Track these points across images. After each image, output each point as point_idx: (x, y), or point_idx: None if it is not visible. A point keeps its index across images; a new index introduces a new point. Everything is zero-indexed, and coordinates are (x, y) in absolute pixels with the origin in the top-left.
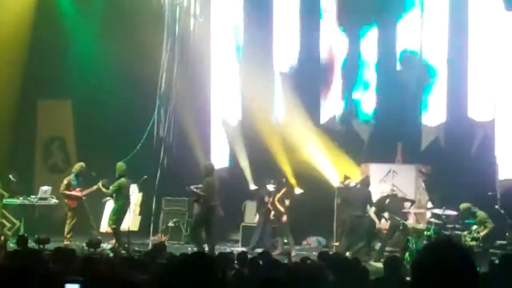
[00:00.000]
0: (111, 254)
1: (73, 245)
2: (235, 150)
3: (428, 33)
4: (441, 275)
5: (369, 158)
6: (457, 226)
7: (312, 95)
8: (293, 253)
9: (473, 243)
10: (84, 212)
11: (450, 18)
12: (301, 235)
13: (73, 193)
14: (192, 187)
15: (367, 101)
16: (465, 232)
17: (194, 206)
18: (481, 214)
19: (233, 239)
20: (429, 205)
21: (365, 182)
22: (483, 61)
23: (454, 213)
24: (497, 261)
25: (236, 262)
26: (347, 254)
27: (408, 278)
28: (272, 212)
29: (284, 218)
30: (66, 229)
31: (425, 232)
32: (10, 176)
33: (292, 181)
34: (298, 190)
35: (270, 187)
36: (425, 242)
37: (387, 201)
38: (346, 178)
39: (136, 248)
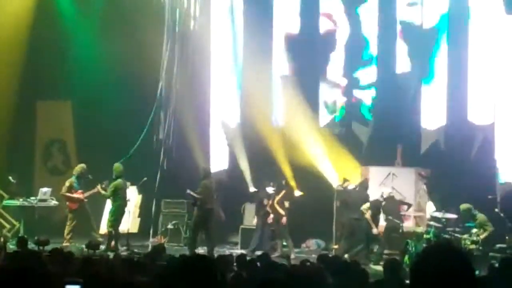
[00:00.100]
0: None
1: (73, 246)
2: (234, 152)
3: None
4: (440, 279)
5: (369, 161)
6: (457, 229)
7: (311, 97)
8: (292, 256)
9: (473, 246)
10: (86, 214)
11: (451, 21)
12: (301, 237)
13: (74, 195)
14: (189, 190)
15: (367, 103)
16: (465, 236)
17: (194, 208)
18: (481, 217)
19: (233, 241)
20: (431, 207)
21: (364, 184)
22: (483, 65)
23: (454, 216)
24: (496, 265)
25: (235, 264)
26: (346, 256)
27: (407, 281)
28: (271, 215)
29: (284, 220)
30: (66, 230)
31: (425, 235)
32: (10, 177)
33: (292, 183)
34: (297, 192)
35: (270, 190)
36: (424, 245)
37: (383, 203)
38: (345, 180)
39: (135, 250)
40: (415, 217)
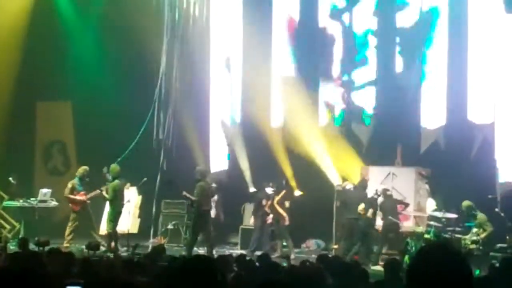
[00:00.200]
0: (111, 256)
1: (73, 247)
2: (234, 152)
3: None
4: (435, 279)
5: (368, 160)
6: (457, 229)
7: (311, 97)
8: (292, 256)
9: (473, 246)
10: (88, 215)
11: (450, 21)
12: (301, 237)
13: (77, 197)
14: (185, 192)
15: (367, 103)
16: (467, 236)
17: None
18: (481, 217)
19: (232, 242)
20: (432, 205)
21: (362, 184)
22: (483, 64)
23: (454, 216)
24: (497, 265)
25: (235, 264)
26: (347, 258)
27: None
28: (271, 215)
29: (286, 220)
30: (67, 231)
31: (425, 235)
32: (10, 178)
33: (292, 183)
34: (297, 192)
35: (269, 190)
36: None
37: (378, 200)
38: (344, 180)
39: (135, 251)
40: (415, 217)
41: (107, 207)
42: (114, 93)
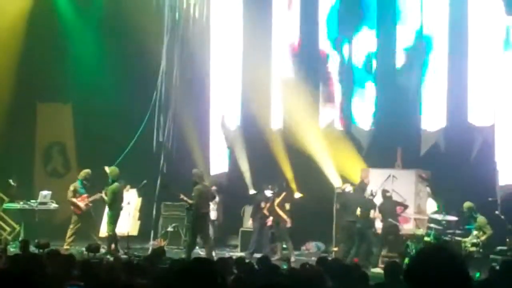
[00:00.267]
0: (111, 258)
1: (73, 249)
2: (234, 155)
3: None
4: (432, 281)
5: (369, 163)
6: (457, 231)
7: (311, 99)
8: (292, 258)
9: (473, 248)
10: (90, 218)
11: (450, 23)
12: (301, 240)
13: (80, 202)
14: (182, 195)
15: (367, 106)
16: (468, 238)
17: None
18: (481, 219)
19: (232, 244)
20: (432, 206)
21: (361, 186)
22: (483, 66)
23: (454, 218)
24: (497, 267)
25: (235, 267)
26: (347, 260)
27: None
28: (270, 218)
29: (288, 222)
30: (69, 233)
31: (425, 238)
32: (10, 180)
33: (292, 185)
34: (297, 194)
35: (268, 193)
36: None
37: (379, 203)
38: (344, 182)
39: (135, 253)
40: (415, 219)
41: (107, 210)
42: (114, 94)
